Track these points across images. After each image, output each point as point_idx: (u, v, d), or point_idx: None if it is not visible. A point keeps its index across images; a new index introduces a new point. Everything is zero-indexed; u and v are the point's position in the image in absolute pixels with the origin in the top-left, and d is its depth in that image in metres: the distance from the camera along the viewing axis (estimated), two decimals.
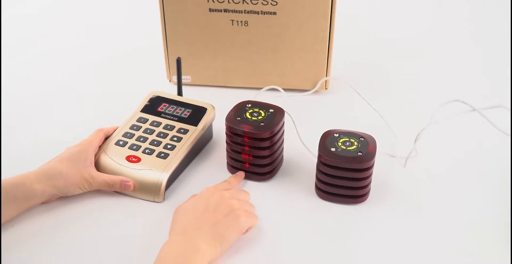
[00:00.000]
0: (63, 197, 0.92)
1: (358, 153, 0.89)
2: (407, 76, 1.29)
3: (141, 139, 0.99)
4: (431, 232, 0.88)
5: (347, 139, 0.92)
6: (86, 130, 1.02)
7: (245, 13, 1.13)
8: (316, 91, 1.21)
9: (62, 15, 1.58)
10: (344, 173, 0.89)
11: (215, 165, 1.01)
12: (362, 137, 0.92)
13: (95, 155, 0.97)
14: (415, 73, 1.30)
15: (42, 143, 1.06)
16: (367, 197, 0.93)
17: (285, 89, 1.19)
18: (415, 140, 1.00)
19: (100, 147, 0.98)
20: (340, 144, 0.91)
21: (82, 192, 0.92)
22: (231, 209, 0.84)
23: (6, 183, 0.86)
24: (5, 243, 0.85)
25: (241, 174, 0.97)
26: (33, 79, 1.28)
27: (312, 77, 1.20)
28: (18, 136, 1.09)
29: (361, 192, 0.91)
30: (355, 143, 0.91)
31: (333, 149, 0.90)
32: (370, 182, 0.92)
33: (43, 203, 0.90)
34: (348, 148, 0.90)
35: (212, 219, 0.82)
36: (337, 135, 0.93)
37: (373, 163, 0.90)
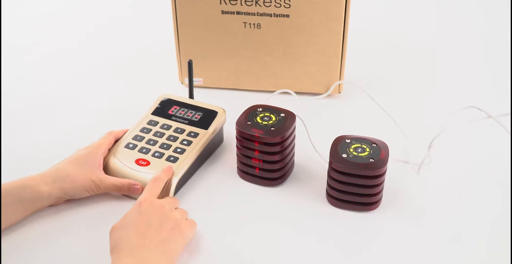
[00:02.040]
0: (70, 200, 0.91)
1: (370, 160, 0.87)
2: (422, 81, 1.27)
3: (151, 142, 0.98)
4: (444, 241, 0.86)
5: (359, 145, 0.90)
6: (97, 132, 1.01)
7: (257, 15, 1.11)
8: (329, 95, 1.19)
9: (73, 16, 1.57)
10: (356, 180, 0.88)
11: (225, 169, 1.00)
12: (374, 143, 0.90)
13: (105, 158, 0.96)
14: (429, 78, 1.28)
15: (52, 145, 1.05)
16: (379, 204, 0.92)
17: (297, 93, 1.17)
18: (429, 147, 0.98)
19: (109, 149, 0.98)
20: (352, 150, 0.89)
21: (90, 194, 0.91)
22: (175, 222, 0.81)
23: (14, 185, 0.85)
24: (12, 245, 0.84)
25: (170, 168, 0.93)
26: (43, 81, 1.28)
27: (325, 81, 1.18)
28: (29, 138, 1.08)
29: (372, 199, 0.90)
30: (367, 149, 0.89)
31: (344, 155, 0.88)
32: (382, 189, 0.90)
33: (50, 205, 0.90)
34: (360, 154, 0.88)
35: (158, 236, 0.79)
36: (349, 140, 0.91)
37: (385, 170, 0.88)
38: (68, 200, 0.91)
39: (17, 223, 0.87)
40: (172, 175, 0.93)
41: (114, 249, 0.77)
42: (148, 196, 0.85)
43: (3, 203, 0.83)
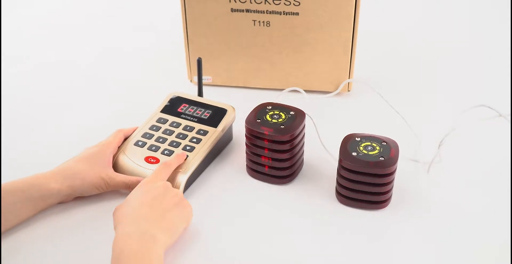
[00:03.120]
0: (79, 197, 0.91)
1: (380, 158, 0.87)
2: (432, 79, 1.26)
3: (160, 140, 0.98)
4: (454, 240, 0.85)
5: (369, 143, 0.90)
6: (106, 130, 1.01)
7: (267, 13, 1.11)
8: (338, 94, 1.19)
9: (81, 13, 1.57)
10: (365, 178, 0.87)
11: (234, 167, 1.00)
12: (384, 141, 0.90)
13: (114, 156, 0.96)
14: (440, 76, 1.27)
15: (61, 144, 1.05)
16: (389, 203, 0.91)
17: (306, 91, 1.17)
18: (439, 145, 0.97)
19: (119, 147, 0.98)
20: (361, 148, 0.89)
21: (99, 192, 0.91)
22: (179, 197, 0.83)
23: (23, 182, 0.85)
24: (20, 243, 0.84)
25: (183, 154, 0.94)
26: (50, 78, 1.28)
27: (335, 79, 1.17)
28: (36, 136, 1.08)
29: (382, 198, 0.89)
30: (377, 148, 0.89)
31: (354, 153, 0.88)
32: (392, 188, 0.90)
33: (59, 202, 0.90)
34: (369, 153, 0.88)
35: (163, 207, 0.80)
36: (359, 139, 0.91)
37: (395, 168, 0.88)
38: (77, 197, 0.91)
39: (26, 221, 0.87)
40: (184, 163, 0.93)
41: (117, 224, 0.78)
42: (154, 178, 0.86)
43: (12, 201, 0.83)
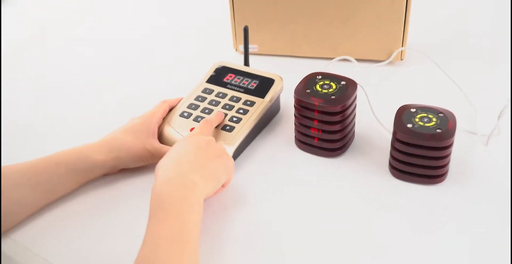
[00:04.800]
0: (124, 169, 0.90)
1: (437, 130, 0.83)
2: (491, 46, 1.20)
3: (206, 111, 0.96)
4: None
5: (425, 115, 0.86)
6: (151, 101, 0.99)
7: None
8: (390, 62, 1.14)
9: None
10: (421, 151, 0.83)
11: (282, 139, 0.97)
12: (441, 113, 0.86)
13: (159, 127, 0.94)
14: (499, 43, 1.21)
15: (108, 114, 1.05)
16: (445, 177, 0.87)
17: (357, 60, 1.13)
18: (499, 117, 0.93)
19: (164, 118, 0.96)
20: (417, 119, 0.85)
21: (144, 164, 0.90)
22: (222, 151, 0.83)
23: (67, 154, 0.84)
24: (64, 215, 0.84)
25: (221, 113, 0.94)
26: (98, 47, 1.27)
27: (387, 47, 1.13)
28: (85, 104, 1.09)
29: (439, 172, 0.85)
30: (434, 119, 0.85)
31: (409, 125, 0.84)
32: (449, 162, 0.86)
33: (104, 175, 0.89)
34: (426, 124, 0.84)
35: (205, 156, 0.79)
36: (414, 110, 0.87)
37: (453, 141, 0.84)
38: (122, 169, 0.90)
39: (70, 193, 0.86)
40: (230, 135, 0.92)
41: (157, 172, 0.77)
42: (196, 133, 0.86)
43: (57, 172, 0.82)
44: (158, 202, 0.72)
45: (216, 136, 0.92)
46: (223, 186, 0.84)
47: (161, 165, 0.78)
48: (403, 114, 0.86)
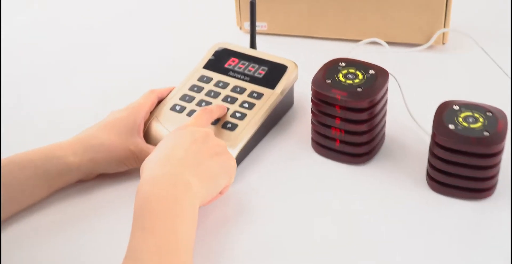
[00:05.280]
0: (103, 174, 0.92)
1: (484, 133, 0.85)
2: None
3: (203, 104, 0.98)
4: None
5: (470, 113, 0.88)
6: (136, 90, 1.01)
7: None
8: (430, 47, 1.17)
9: None
10: (465, 159, 0.86)
11: (296, 140, 1.00)
12: (489, 111, 0.88)
13: (145, 122, 0.97)
14: None
15: (84, 104, 1.07)
16: (493, 191, 0.90)
17: (389, 44, 1.16)
18: None
19: (151, 112, 0.98)
20: (461, 119, 0.87)
21: (127, 168, 0.92)
22: (222, 147, 0.83)
23: (37, 155, 0.86)
24: (35, 227, 0.86)
25: (223, 106, 0.95)
26: (86, 23, 1.31)
27: (426, 29, 1.16)
28: (52, 91, 1.11)
29: (486, 185, 0.88)
30: (481, 119, 0.87)
31: (451, 126, 0.86)
32: (498, 172, 0.88)
33: (79, 180, 0.91)
34: (471, 126, 0.87)
35: (201, 152, 0.80)
36: (458, 107, 0.89)
37: (503, 147, 0.86)
38: (101, 174, 0.92)
39: (40, 201, 0.88)
40: (232, 135, 0.93)
41: (143, 171, 0.78)
42: (193, 123, 0.87)
43: (24, 177, 0.84)
44: (143, 205, 0.72)
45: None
46: (220, 192, 0.85)
47: (148, 162, 0.80)
48: (444, 112, 0.89)
